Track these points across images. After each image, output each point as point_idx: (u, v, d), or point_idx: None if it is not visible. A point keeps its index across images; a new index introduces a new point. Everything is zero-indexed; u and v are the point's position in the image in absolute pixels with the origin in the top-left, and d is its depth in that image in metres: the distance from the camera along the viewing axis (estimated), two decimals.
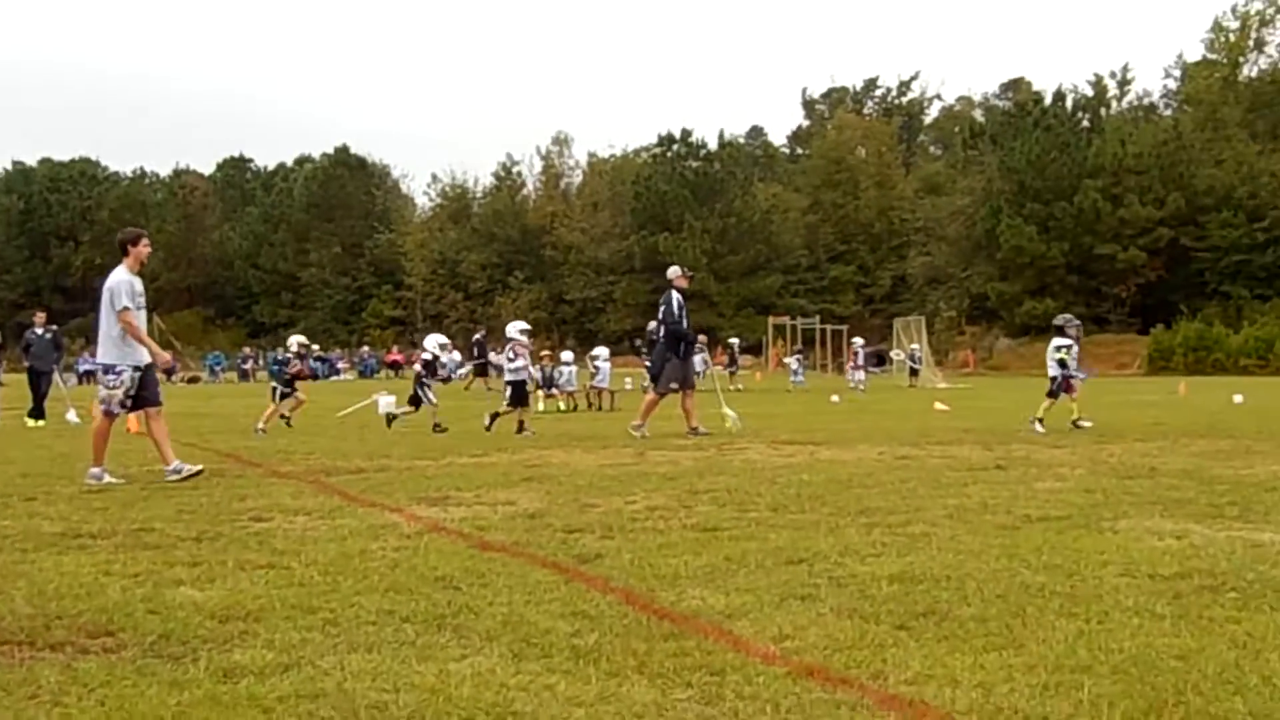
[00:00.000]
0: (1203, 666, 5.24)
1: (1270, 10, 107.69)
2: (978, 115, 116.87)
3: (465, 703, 4.82)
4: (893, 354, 53.21)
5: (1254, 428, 20.50)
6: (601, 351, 33.38)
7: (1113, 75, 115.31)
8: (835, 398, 34.65)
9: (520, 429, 21.18)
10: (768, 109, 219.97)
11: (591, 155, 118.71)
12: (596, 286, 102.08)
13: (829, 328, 76.31)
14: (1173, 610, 6.31)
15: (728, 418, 20.97)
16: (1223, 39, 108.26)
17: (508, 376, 22.20)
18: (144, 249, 13.42)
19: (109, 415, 13.23)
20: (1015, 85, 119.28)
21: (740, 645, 5.63)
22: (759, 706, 4.74)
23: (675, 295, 20.73)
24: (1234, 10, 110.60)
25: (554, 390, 31.32)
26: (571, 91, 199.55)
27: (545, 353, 34.05)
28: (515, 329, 22.57)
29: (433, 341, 24.31)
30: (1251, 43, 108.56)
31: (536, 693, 4.95)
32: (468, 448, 17.42)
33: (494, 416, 21.98)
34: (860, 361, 48.54)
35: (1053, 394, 20.82)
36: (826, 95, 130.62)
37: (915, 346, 53.86)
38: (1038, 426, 19.89)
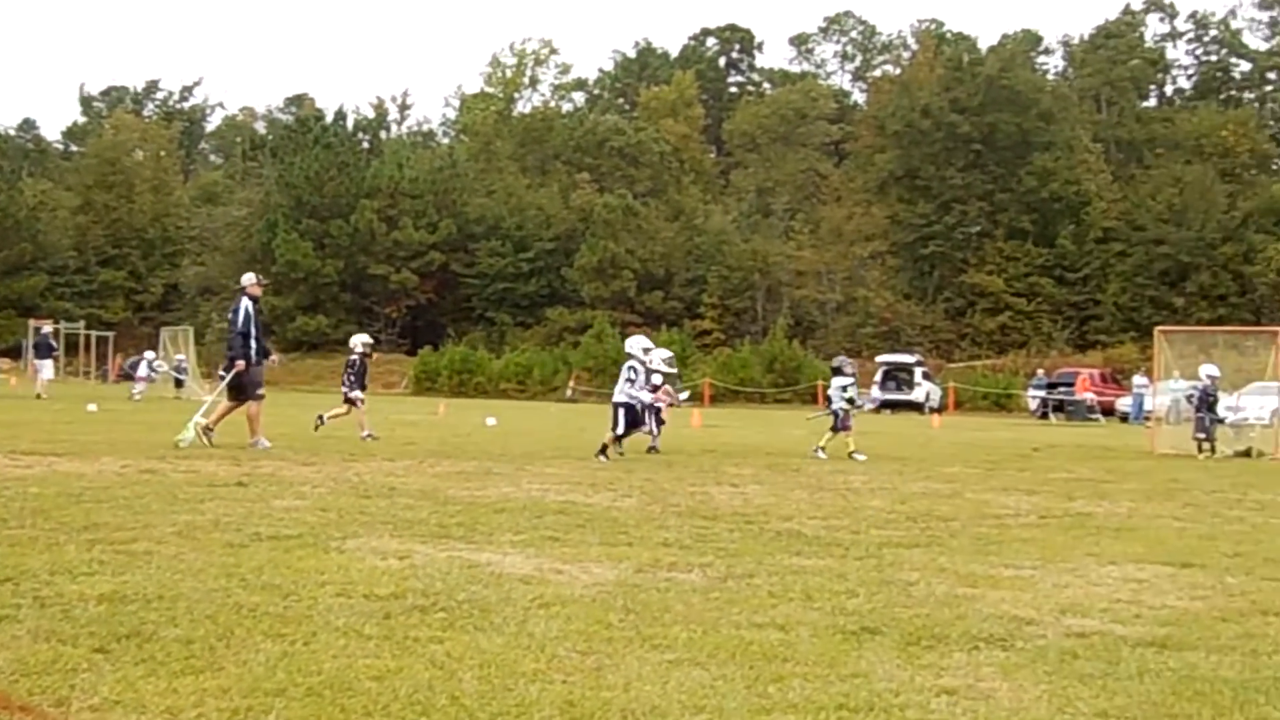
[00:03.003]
0: (397, 687, 5.30)
1: (545, 50, 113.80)
2: (260, 127, 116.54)
3: None
4: (156, 364, 51.72)
5: (498, 450, 21.32)
6: None
7: (394, 99, 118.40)
8: (92, 406, 33.29)
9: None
10: (42, 103, 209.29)
11: None
12: None
13: (95, 334, 73.44)
14: (380, 630, 6.37)
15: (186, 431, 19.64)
16: (500, 74, 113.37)
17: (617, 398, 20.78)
18: None
19: None
20: (299, 100, 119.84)
21: None
22: None
23: (246, 302, 20.04)
24: (511, 48, 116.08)
25: None
26: None
27: None
28: (659, 358, 22.05)
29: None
30: (526, 80, 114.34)
31: None
32: None
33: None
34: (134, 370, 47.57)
35: (836, 428, 22.39)
36: (106, 93, 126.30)
37: (181, 357, 52.71)
38: (820, 454, 21.72)
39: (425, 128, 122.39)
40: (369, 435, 23.42)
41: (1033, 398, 56.59)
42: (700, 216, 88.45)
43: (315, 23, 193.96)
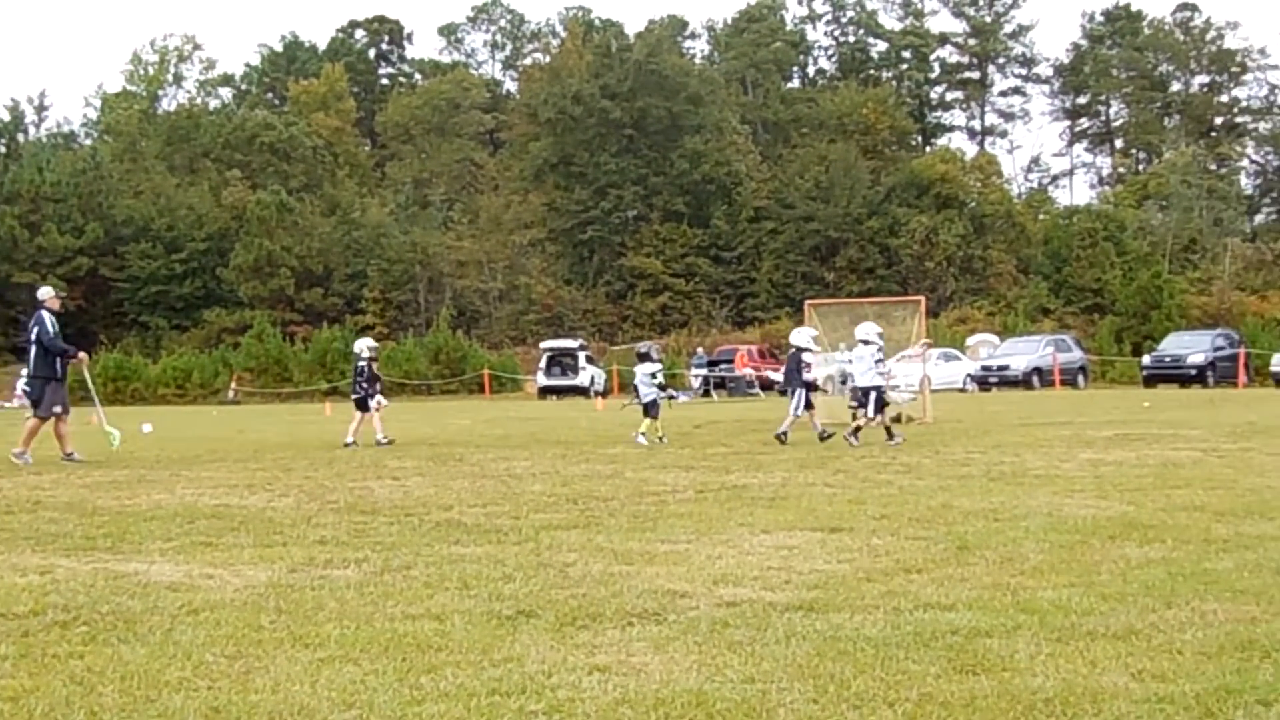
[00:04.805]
0: (32, 707, 5.12)
1: (188, 46, 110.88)
2: None
3: None
4: None
5: (153, 456, 20.69)
6: None
7: (30, 101, 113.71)
8: None
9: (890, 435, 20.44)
10: None
11: None
12: None
13: None
14: (16, 649, 6.12)
15: (111, 435, 20.33)
16: (142, 72, 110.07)
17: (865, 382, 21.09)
18: None
19: None
20: None
21: None
22: None
23: (47, 316, 19.43)
24: (153, 44, 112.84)
25: None
26: None
27: None
28: (870, 330, 21.66)
29: None
30: (170, 77, 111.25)
31: None
32: None
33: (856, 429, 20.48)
34: None
35: (650, 414, 22.14)
36: None
37: None
38: (641, 440, 21.23)
39: (66, 129, 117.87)
40: (386, 440, 23.26)
41: (694, 376, 57.74)
42: (357, 210, 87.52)
43: None
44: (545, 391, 59.53)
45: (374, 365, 24.98)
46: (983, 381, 52.31)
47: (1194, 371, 51.08)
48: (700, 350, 61.14)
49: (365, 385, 24.30)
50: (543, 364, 61.11)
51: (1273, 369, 50.49)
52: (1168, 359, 52.62)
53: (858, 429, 20.56)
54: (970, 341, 60.61)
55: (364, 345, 25.42)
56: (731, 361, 57.26)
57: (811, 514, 10.97)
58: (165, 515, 11.69)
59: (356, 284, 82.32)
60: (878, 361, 21.25)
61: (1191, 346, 53.02)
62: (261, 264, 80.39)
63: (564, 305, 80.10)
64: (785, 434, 21.02)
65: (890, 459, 16.92)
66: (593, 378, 60.41)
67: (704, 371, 56.54)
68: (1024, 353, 54.30)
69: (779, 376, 54.08)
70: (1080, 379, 54.81)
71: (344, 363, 69.59)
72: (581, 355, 61.60)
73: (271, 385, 68.83)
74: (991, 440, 20.30)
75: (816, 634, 6.25)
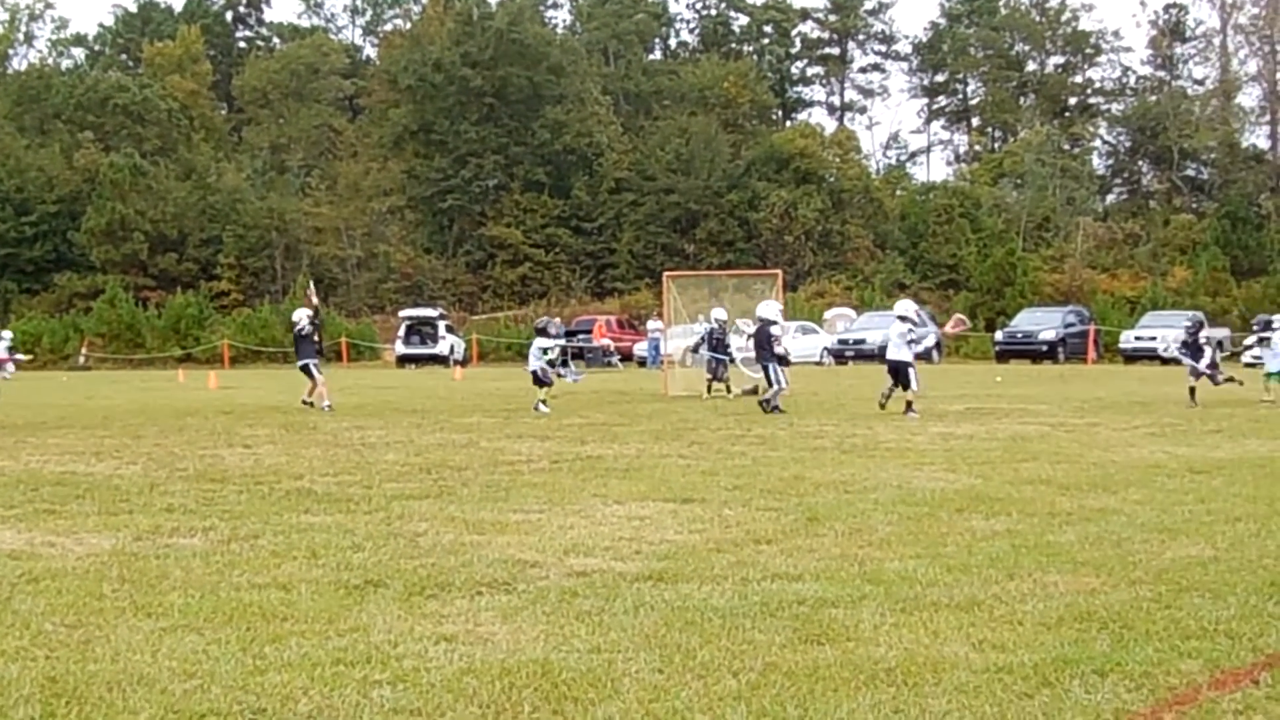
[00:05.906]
0: None
1: (40, 5, 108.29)
2: None
3: None
4: None
5: None
6: None
7: None
8: None
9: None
10: None
11: None
12: None
13: None
14: None
15: None
16: None
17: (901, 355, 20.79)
18: None
19: None
20: None
21: None
22: None
23: None
24: (3, 3, 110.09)
25: None
26: None
27: None
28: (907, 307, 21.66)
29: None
30: (21, 36, 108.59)
31: None
32: None
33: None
34: None
35: (545, 384, 23.38)
36: None
37: None
38: (543, 408, 22.18)
39: None
40: (326, 405, 23.59)
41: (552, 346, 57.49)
42: (213, 175, 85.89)
43: None
44: (403, 360, 59.10)
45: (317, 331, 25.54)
46: (839, 355, 52.82)
47: (1045, 347, 52.12)
48: (558, 320, 60.94)
49: (313, 349, 24.91)
50: (401, 332, 60.67)
51: (1121, 346, 51.66)
52: (1020, 335, 53.64)
53: (887, 395, 20.85)
54: (827, 315, 61.09)
55: (303, 315, 25.65)
56: (590, 332, 57.13)
57: (664, 485, 11.01)
58: (8, 482, 11.46)
59: (211, 249, 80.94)
60: (910, 341, 21.00)
61: (1043, 323, 54.04)
62: (114, 228, 78.73)
63: (423, 274, 79.45)
64: (775, 404, 21.30)
65: (745, 430, 17.04)
66: (452, 347, 60.07)
67: (561, 342, 56.29)
68: (880, 327, 54.70)
69: (641, 348, 54.26)
70: (934, 354, 55.58)
71: (197, 329, 68.85)
72: (441, 324, 61.20)
73: (123, 351, 67.62)
74: (845, 413, 20.54)
75: (664, 604, 6.27)
